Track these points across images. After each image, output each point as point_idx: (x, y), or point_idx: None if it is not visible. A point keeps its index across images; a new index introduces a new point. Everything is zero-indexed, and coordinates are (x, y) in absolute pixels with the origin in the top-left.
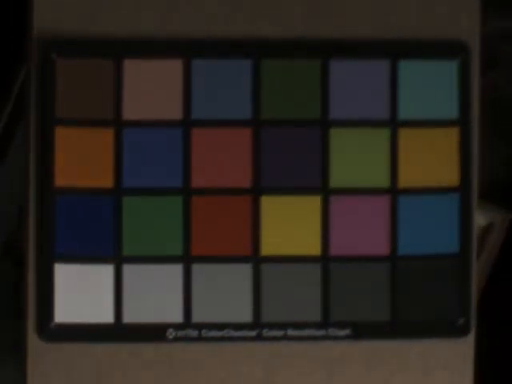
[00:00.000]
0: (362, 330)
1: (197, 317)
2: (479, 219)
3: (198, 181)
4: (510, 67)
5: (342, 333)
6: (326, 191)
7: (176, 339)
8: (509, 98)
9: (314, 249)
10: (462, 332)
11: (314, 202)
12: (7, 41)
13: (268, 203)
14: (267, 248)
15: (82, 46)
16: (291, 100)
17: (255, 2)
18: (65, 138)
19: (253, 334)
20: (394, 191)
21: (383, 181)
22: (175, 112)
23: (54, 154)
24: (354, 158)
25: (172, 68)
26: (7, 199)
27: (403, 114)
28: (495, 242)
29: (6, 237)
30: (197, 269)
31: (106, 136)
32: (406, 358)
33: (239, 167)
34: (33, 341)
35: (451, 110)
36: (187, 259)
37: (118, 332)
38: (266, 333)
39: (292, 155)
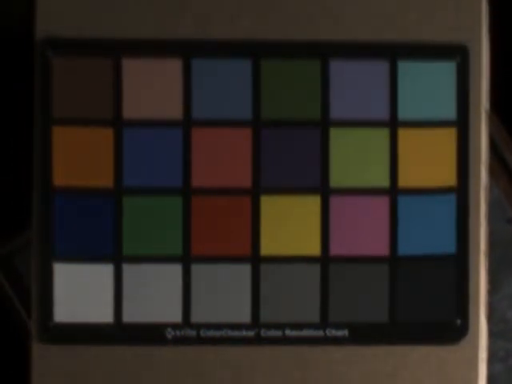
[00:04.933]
0: (360, 331)
1: (195, 317)
2: None
3: (197, 181)
4: None
5: (340, 333)
6: (325, 191)
7: (174, 339)
8: None
9: (314, 249)
10: (460, 333)
11: (313, 202)
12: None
13: (268, 203)
14: (267, 248)
15: (80, 45)
16: (291, 100)
17: (255, 2)
18: (63, 138)
19: (251, 334)
20: (393, 191)
21: (383, 181)
22: (175, 112)
23: (52, 153)
24: (354, 158)
25: (172, 68)
26: None
27: (402, 114)
28: None
29: None
30: (196, 269)
31: (106, 136)
32: (406, 358)
33: (239, 167)
34: (32, 340)
35: (450, 111)
36: (187, 259)
37: (118, 331)
38: (264, 333)
39: (292, 155)
